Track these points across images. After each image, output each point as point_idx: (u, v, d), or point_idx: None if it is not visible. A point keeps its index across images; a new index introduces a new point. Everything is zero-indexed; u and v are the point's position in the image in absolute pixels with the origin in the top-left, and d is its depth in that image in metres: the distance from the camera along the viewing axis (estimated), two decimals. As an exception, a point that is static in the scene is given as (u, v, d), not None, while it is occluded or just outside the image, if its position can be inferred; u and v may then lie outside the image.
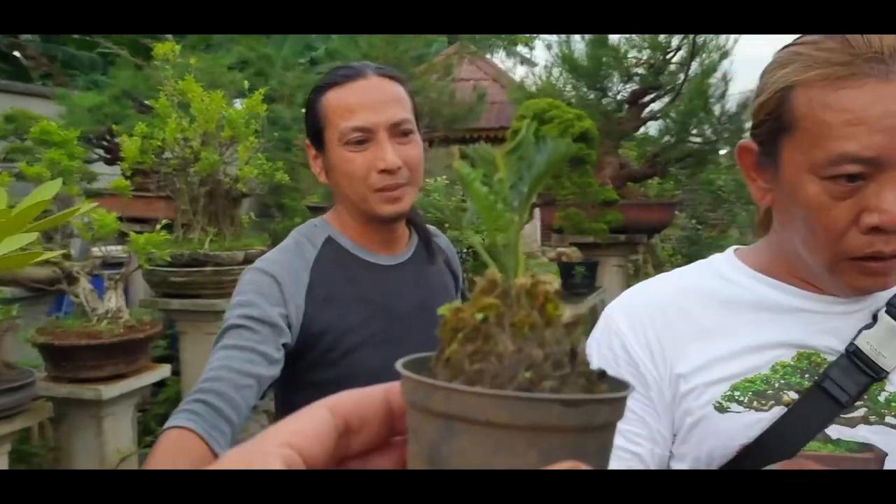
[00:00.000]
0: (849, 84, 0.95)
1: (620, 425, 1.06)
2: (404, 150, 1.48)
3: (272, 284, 1.43)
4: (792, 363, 1.06)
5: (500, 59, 18.35)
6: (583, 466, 0.35)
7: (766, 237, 1.16)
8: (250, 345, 1.34)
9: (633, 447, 1.08)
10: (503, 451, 0.36)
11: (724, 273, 1.15)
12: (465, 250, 3.50)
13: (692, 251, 5.53)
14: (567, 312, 0.41)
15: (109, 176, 4.73)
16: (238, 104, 4.44)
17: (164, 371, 3.59)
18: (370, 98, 1.47)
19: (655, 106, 5.19)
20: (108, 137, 6.03)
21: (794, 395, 1.04)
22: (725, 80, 5.09)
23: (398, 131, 1.48)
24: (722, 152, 6.04)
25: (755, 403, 1.04)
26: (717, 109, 5.14)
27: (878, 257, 0.96)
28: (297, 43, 11.40)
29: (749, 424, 1.04)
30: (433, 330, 1.51)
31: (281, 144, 5.55)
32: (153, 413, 4.58)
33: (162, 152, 3.86)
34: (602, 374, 0.42)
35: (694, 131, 5.27)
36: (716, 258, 1.20)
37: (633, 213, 4.63)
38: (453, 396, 0.37)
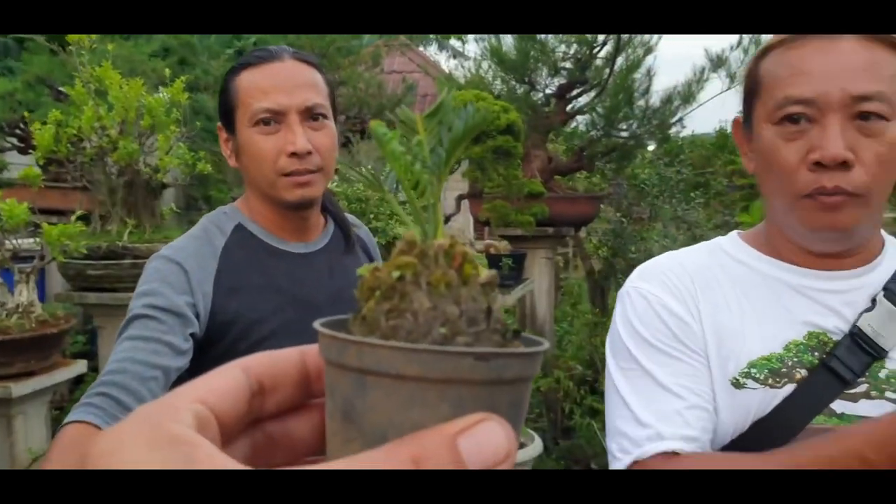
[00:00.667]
0: (798, 44, 1.11)
1: (695, 386, 1.11)
2: (316, 136, 1.44)
3: (178, 272, 1.38)
4: (803, 342, 1.15)
5: (432, 51, 18.33)
6: (495, 419, 0.35)
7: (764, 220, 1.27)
8: (156, 335, 1.30)
9: (709, 405, 1.15)
10: (415, 403, 0.37)
11: (732, 253, 1.25)
12: (386, 242, 3.48)
13: (617, 244, 5.62)
14: (486, 272, 0.42)
15: (24, 166, 4.54)
16: (161, 93, 4.31)
17: (79, 367, 3.47)
18: (283, 80, 1.43)
19: (582, 100, 5.25)
20: (21, 125, 5.80)
21: (804, 373, 1.13)
22: (650, 75, 5.19)
23: (311, 116, 1.45)
24: (651, 147, 6.15)
25: (770, 381, 1.13)
26: (641, 104, 5.24)
27: (823, 192, 1.07)
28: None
29: (764, 400, 1.13)
30: None
31: (205, 135, 5.41)
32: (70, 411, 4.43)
33: (78, 141, 3.72)
34: (517, 332, 0.42)
35: (620, 126, 5.35)
36: (720, 240, 1.30)
37: (560, 207, 4.67)
38: (366, 350, 0.37)
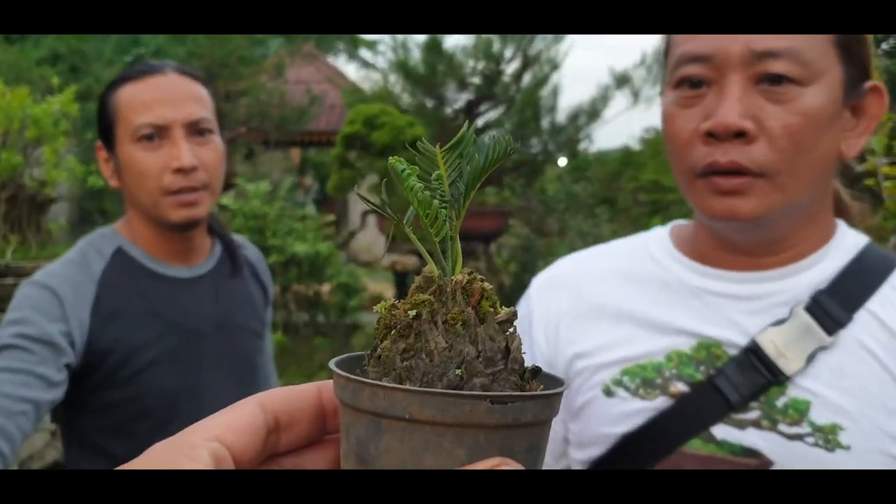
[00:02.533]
0: None
1: None
2: (201, 151, 1.38)
3: (51, 299, 1.30)
4: (689, 353, 0.99)
5: (342, 62, 18.24)
6: (511, 464, 0.35)
7: None
8: (26, 367, 1.21)
9: None
10: (430, 448, 0.36)
11: (651, 250, 1.08)
12: (285, 259, 3.37)
13: (527, 259, 5.65)
14: (504, 310, 0.41)
15: None
16: (48, 102, 4.11)
17: (-45, 395, 3.24)
18: (166, 94, 1.37)
19: (490, 115, 5.27)
20: None
21: (683, 388, 0.97)
22: (556, 92, 5.24)
23: (195, 130, 1.38)
24: (562, 162, 6.21)
25: (641, 391, 0.99)
26: (547, 121, 5.29)
27: (717, 170, 0.90)
28: (122, 39, 10.78)
29: (631, 412, 0.99)
30: (233, 346, 1.36)
31: (99, 146, 5.18)
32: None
33: (-43, 153, 3.51)
34: (536, 371, 0.41)
35: (528, 142, 5.39)
36: (654, 232, 1.12)
37: (468, 222, 4.63)
38: (379, 393, 0.37)
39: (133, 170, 1.37)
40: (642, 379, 0.99)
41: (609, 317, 1.05)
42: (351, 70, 16.74)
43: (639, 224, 6.06)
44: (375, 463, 0.37)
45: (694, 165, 0.92)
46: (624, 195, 6.56)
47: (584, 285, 1.09)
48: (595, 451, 1.02)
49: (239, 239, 1.64)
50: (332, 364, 0.41)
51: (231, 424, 0.39)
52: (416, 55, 5.18)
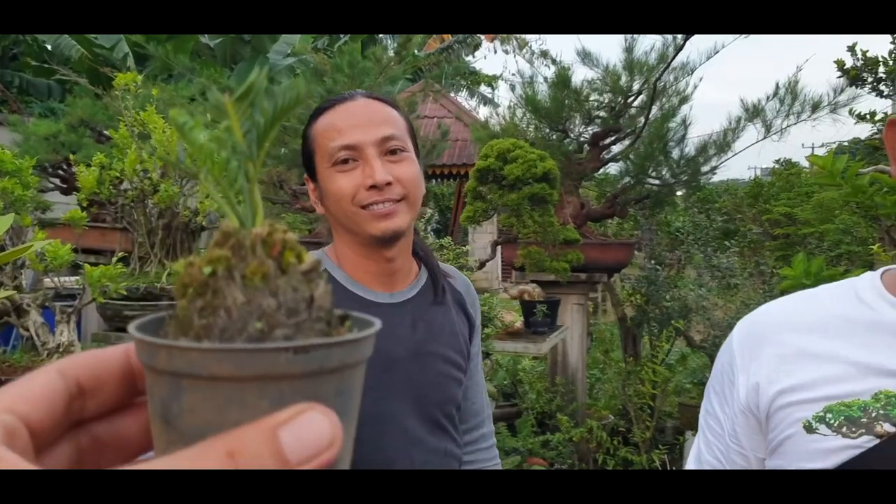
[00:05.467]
0: None
1: (705, 436, 1.15)
2: (396, 168, 1.41)
3: None
4: None
5: (462, 97, 18.58)
6: (317, 408, 0.34)
7: None
8: None
9: (712, 459, 1.16)
10: (233, 403, 0.35)
11: (860, 293, 1.09)
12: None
13: (650, 291, 5.58)
14: (309, 258, 0.40)
15: (64, 206, 4.63)
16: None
17: (115, 407, 3.48)
18: (357, 117, 1.42)
19: (616, 148, 5.26)
20: (64, 166, 5.92)
21: (890, 428, 0.97)
22: (685, 124, 5.18)
23: (387, 149, 1.41)
24: (679, 193, 6.12)
25: (844, 429, 0.99)
26: (675, 153, 5.23)
27: None
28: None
29: (833, 450, 0.99)
30: (427, 377, 1.44)
31: (242, 177, 5.47)
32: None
33: (119, 183, 3.79)
34: (344, 317, 0.41)
35: (652, 173, 5.34)
36: (863, 277, 1.13)
37: (593, 253, 4.65)
38: (175, 353, 0.36)
39: (332, 192, 1.42)
40: (846, 417, 0.99)
41: (814, 358, 1.06)
42: (469, 106, 16.96)
43: (769, 257, 5.89)
44: (179, 422, 0.36)
45: None
46: (748, 226, 6.38)
47: (789, 330, 1.11)
48: None
49: (447, 268, 1.64)
50: (131, 327, 0.39)
51: (24, 394, 0.37)
52: (543, 90, 5.27)
